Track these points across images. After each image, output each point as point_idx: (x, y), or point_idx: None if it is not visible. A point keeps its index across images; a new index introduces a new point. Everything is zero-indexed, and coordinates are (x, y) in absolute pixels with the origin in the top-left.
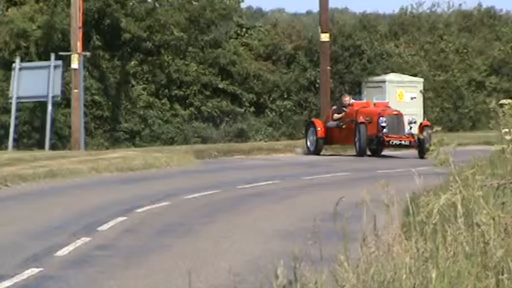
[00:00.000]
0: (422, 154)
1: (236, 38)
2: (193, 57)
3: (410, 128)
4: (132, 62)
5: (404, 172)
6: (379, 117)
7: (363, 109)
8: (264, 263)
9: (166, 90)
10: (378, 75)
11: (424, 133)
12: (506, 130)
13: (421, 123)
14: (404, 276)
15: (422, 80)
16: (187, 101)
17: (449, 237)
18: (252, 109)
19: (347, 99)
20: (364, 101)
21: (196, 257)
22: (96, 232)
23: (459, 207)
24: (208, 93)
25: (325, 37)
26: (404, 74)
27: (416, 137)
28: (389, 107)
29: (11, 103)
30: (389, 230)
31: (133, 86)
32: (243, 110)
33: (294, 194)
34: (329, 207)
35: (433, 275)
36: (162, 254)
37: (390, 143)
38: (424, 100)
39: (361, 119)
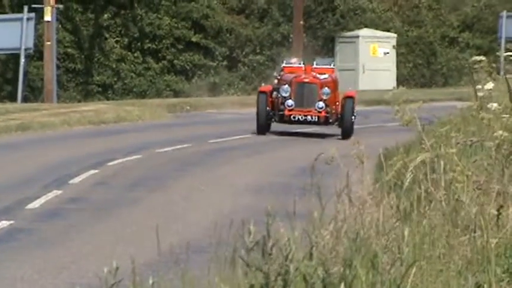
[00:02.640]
0: (344, 134)
1: None
2: (166, 10)
3: (325, 100)
4: (105, 15)
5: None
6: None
7: (285, 75)
8: (236, 217)
9: (139, 44)
10: (351, 30)
11: (347, 107)
12: (479, 86)
13: (344, 95)
14: (376, 233)
15: (395, 35)
16: (159, 55)
17: (422, 195)
18: (225, 63)
19: (294, 61)
20: (299, 64)
21: (167, 211)
22: (68, 185)
23: (435, 164)
24: (181, 47)
25: None
26: (377, 29)
27: (330, 112)
28: (318, 74)
29: None
30: (363, 187)
31: (106, 39)
32: (215, 64)
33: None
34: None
35: (406, 232)
36: (133, 208)
37: (292, 118)
38: (397, 56)
39: (263, 87)
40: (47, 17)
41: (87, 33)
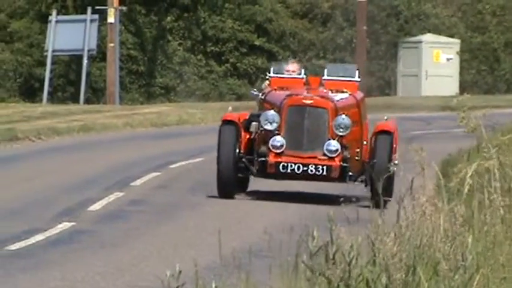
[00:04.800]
0: (376, 198)
1: None
2: (230, 13)
3: (341, 137)
4: (169, 18)
5: None
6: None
7: (271, 93)
8: (299, 223)
9: (202, 47)
10: (415, 36)
11: (379, 149)
12: None
13: (376, 129)
14: (439, 240)
15: (459, 41)
16: (222, 58)
17: (485, 202)
18: None
19: (291, 68)
20: (299, 75)
21: (228, 216)
22: (129, 187)
23: (496, 171)
24: (244, 50)
25: None
26: (441, 35)
27: (351, 159)
28: (330, 90)
29: (46, 56)
30: (425, 193)
31: (169, 41)
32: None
33: None
34: None
35: (469, 240)
36: (194, 211)
37: (281, 169)
38: (460, 62)
39: (230, 113)
40: (111, 19)
41: (150, 35)
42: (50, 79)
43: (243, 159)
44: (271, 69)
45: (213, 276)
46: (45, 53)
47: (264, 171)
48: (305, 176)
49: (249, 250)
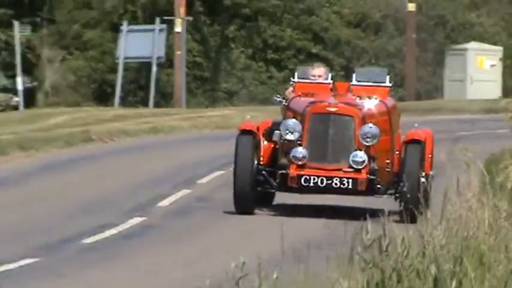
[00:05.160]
0: (409, 212)
1: (328, 7)
2: (289, 23)
3: (368, 147)
4: (232, 27)
5: None
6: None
7: (295, 100)
8: (355, 218)
9: (263, 54)
10: (460, 43)
11: (410, 159)
12: None
13: (406, 138)
14: (484, 233)
15: (501, 48)
16: (282, 64)
17: None
18: (342, 73)
19: (316, 72)
20: (325, 80)
21: (291, 211)
22: (196, 185)
23: None
24: (302, 57)
25: (411, 7)
26: (484, 43)
27: (380, 171)
28: (357, 96)
29: (118, 63)
30: (470, 189)
31: (232, 49)
32: (333, 73)
33: None
34: None
35: None
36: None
37: (303, 183)
38: (503, 68)
39: (248, 122)
40: (178, 28)
41: (214, 43)
42: (122, 84)
43: (263, 172)
44: (296, 73)
45: (274, 267)
46: (116, 60)
47: (285, 185)
48: (329, 190)
49: (308, 243)
